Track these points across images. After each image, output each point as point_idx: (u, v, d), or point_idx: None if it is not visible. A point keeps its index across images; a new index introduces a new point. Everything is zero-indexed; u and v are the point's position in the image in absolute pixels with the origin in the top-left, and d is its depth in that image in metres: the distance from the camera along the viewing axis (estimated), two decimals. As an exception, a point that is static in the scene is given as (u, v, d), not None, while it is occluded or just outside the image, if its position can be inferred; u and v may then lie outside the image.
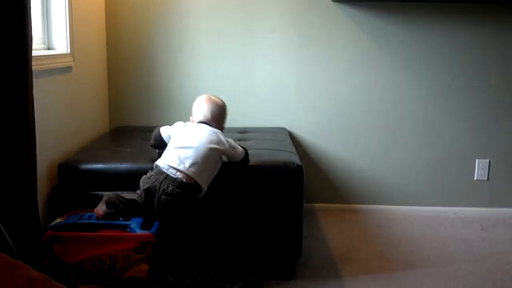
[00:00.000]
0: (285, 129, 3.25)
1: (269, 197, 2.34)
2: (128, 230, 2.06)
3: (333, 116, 3.31)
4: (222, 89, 3.21)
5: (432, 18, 3.20)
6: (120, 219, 2.10)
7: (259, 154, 2.50)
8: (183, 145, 2.25)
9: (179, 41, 3.24)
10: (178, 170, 2.17)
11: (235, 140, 2.78)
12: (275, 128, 3.22)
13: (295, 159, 2.44)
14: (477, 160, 3.35)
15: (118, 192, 2.18)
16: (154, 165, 2.24)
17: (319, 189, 3.38)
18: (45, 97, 2.33)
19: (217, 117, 2.39)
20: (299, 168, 2.33)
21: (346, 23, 3.21)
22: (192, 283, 1.96)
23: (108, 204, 2.10)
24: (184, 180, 2.17)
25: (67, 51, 2.62)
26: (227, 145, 2.29)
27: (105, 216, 2.10)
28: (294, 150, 2.68)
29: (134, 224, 2.08)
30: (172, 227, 2.16)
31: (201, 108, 2.40)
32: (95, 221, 2.10)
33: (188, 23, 3.23)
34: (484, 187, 3.37)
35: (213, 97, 2.45)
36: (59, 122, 2.53)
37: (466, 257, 2.71)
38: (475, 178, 3.37)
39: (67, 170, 2.37)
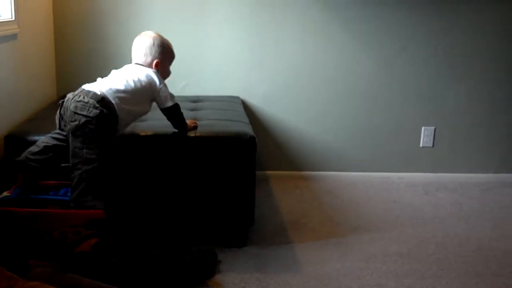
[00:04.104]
0: (238, 97, 3.26)
1: (222, 167, 2.36)
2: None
3: (285, 84, 3.34)
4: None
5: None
6: (68, 194, 2.08)
7: (213, 124, 2.51)
8: (110, 78, 2.24)
9: (129, 8, 3.16)
10: (98, 90, 2.14)
11: (188, 109, 2.79)
12: (228, 97, 3.22)
13: (248, 129, 2.46)
14: (423, 128, 3.47)
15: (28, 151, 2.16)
16: None
17: (271, 157, 3.43)
18: (-11, 66, 2.26)
19: (143, 49, 2.29)
20: (252, 139, 2.36)
21: (298, -9, 3.21)
22: (147, 257, 1.97)
23: (23, 173, 2.09)
24: (102, 96, 2.12)
25: (12, 17, 2.52)
26: (158, 85, 2.24)
27: (25, 181, 2.08)
28: (247, 120, 2.70)
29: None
30: (84, 149, 2.07)
31: (132, 47, 2.33)
32: (43, 197, 2.08)
33: (138, -11, 3.15)
34: (429, 153, 3.51)
35: (145, 31, 2.36)
36: (5, 92, 2.46)
37: (410, 221, 2.83)
38: (420, 145, 3.49)
39: (14, 142, 2.32)
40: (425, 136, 3.48)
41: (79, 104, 2.08)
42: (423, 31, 3.32)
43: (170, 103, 2.28)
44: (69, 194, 2.09)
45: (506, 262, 2.40)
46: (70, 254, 1.97)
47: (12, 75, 2.54)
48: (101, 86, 2.17)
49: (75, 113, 2.07)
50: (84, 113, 2.06)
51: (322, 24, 3.26)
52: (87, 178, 2.05)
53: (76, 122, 2.06)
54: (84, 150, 2.06)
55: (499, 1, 3.29)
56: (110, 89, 2.15)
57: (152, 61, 2.29)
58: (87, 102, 2.08)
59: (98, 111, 2.07)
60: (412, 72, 3.38)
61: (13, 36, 2.55)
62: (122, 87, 2.18)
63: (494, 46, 3.36)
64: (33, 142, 2.28)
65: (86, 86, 2.18)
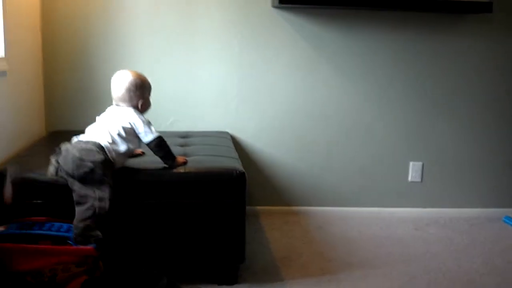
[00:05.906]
0: (227, 133, 3.27)
1: (212, 203, 2.34)
2: (69, 242, 2.02)
3: (273, 120, 3.36)
4: (163, 92, 3.19)
5: (369, 25, 3.30)
6: (61, 230, 2.05)
7: (202, 160, 2.50)
8: (96, 127, 2.30)
9: (118, 43, 3.19)
10: (94, 139, 2.22)
11: (177, 144, 2.78)
12: (218, 132, 3.23)
13: (237, 165, 2.46)
14: (411, 163, 3.49)
15: None
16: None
17: (261, 192, 3.42)
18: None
19: (126, 94, 2.32)
20: (241, 175, 2.35)
21: (285, 29, 3.26)
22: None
23: (15, 185, 2.12)
24: (100, 144, 2.19)
25: (2, 55, 2.52)
26: (141, 124, 2.29)
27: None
28: (236, 155, 2.70)
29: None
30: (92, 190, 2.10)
31: (111, 88, 2.36)
32: (35, 232, 2.04)
33: (127, 25, 3.18)
34: (417, 188, 3.52)
35: (120, 72, 2.37)
36: (-7, 129, 2.44)
37: (402, 257, 2.82)
38: (409, 180, 3.51)
39: (1, 179, 2.28)
40: (413, 171, 3.50)
41: (84, 152, 2.15)
42: (410, 69, 3.37)
43: (151, 137, 2.31)
44: (62, 230, 2.07)
45: (499, 297, 2.39)
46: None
47: (0, 111, 2.52)
48: (95, 136, 2.24)
49: (81, 159, 2.13)
50: (91, 158, 2.13)
51: (310, 61, 3.31)
52: (98, 214, 2.08)
53: (85, 169, 2.12)
54: (97, 191, 2.10)
55: (483, 42, 3.37)
56: (104, 138, 2.23)
57: (138, 102, 2.35)
58: (90, 150, 2.16)
59: (102, 156, 2.16)
60: (399, 109, 3.42)
61: (3, 73, 2.54)
62: (114, 135, 2.25)
63: (478, 85, 3.43)
64: (21, 179, 2.26)
65: (81, 138, 2.25)
